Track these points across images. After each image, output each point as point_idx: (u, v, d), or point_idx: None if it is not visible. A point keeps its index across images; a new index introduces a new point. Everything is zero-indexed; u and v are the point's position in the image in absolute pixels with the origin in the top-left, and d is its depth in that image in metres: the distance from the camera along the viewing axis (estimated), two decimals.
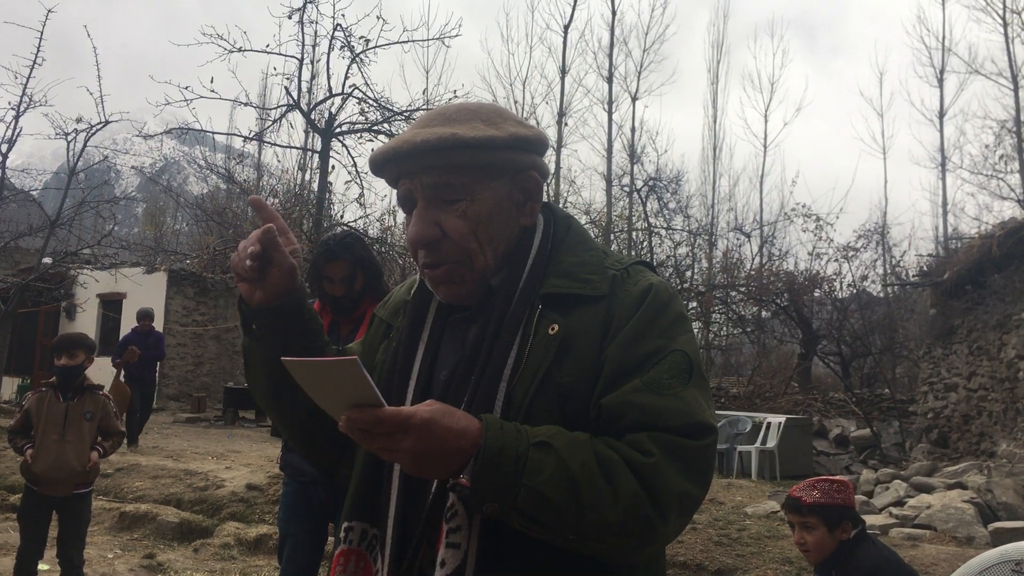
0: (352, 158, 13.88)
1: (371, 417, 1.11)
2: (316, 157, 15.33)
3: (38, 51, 11.63)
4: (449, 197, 1.32)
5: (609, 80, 28.91)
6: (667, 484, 1.16)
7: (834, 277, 18.35)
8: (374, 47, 13.39)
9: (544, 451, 1.15)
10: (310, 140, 20.57)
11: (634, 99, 29.34)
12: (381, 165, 1.36)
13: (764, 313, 20.69)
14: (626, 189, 24.20)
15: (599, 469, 1.15)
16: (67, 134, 12.13)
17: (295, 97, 13.53)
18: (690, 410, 1.22)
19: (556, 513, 1.14)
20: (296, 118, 19.55)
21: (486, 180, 1.33)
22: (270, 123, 15.73)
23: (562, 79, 28.03)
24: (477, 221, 1.33)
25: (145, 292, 17.02)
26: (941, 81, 27.92)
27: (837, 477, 3.09)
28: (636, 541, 1.17)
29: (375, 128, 13.86)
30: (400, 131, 13.93)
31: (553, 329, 1.28)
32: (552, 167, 22.08)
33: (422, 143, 1.29)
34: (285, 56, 13.67)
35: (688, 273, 20.51)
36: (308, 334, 1.42)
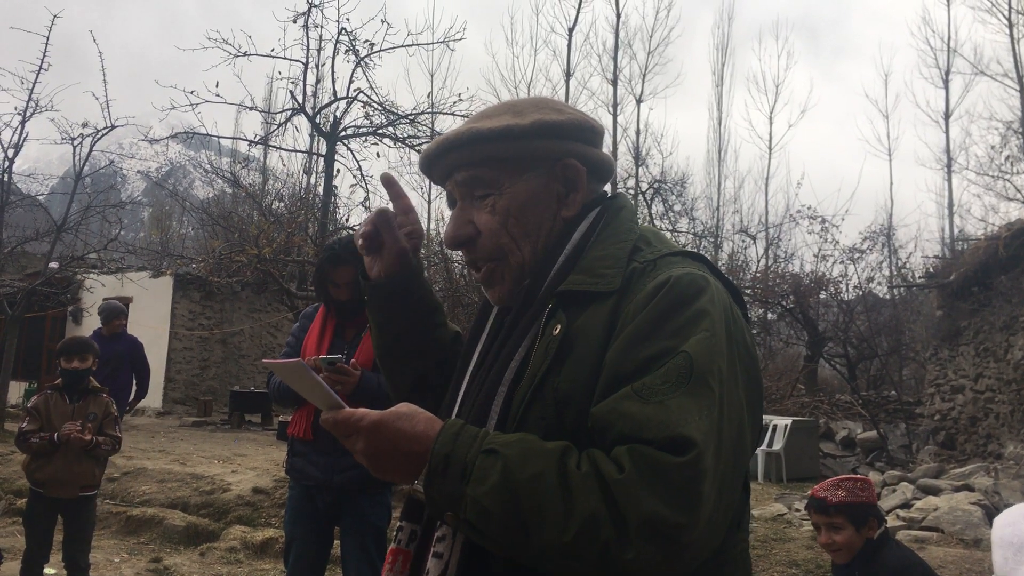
0: (357, 162, 13.92)
1: (331, 419, 1.13)
2: (321, 161, 15.38)
3: (44, 56, 11.66)
4: (479, 192, 1.31)
5: (614, 83, 28.95)
6: (634, 505, 0.99)
7: (840, 279, 18.36)
8: (379, 51, 13.43)
9: (492, 459, 1.06)
10: (315, 144, 20.62)
11: (639, 101, 29.38)
12: (426, 169, 1.39)
13: (770, 315, 20.66)
14: (631, 191, 24.19)
15: (558, 483, 1.03)
16: (73, 139, 12.16)
17: (300, 101, 13.56)
18: (672, 420, 1.04)
19: (500, 528, 1.04)
20: (301, 122, 19.66)
21: (515, 173, 1.29)
22: (275, 127, 15.83)
23: (567, 82, 28.06)
24: (507, 215, 1.29)
25: (151, 296, 17.07)
26: (946, 82, 27.85)
27: (859, 476, 3.07)
28: (596, 568, 1.01)
29: (380, 132, 13.89)
30: (404, 135, 13.98)
31: (556, 330, 1.18)
32: None
33: (444, 142, 1.31)
34: (290, 60, 13.71)
35: None
36: (416, 313, 1.48)
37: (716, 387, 1.09)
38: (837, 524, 2.87)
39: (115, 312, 7.73)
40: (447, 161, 1.32)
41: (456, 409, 1.30)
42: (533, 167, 1.30)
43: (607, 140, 27.56)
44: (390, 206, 1.45)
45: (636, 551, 0.99)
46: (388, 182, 1.43)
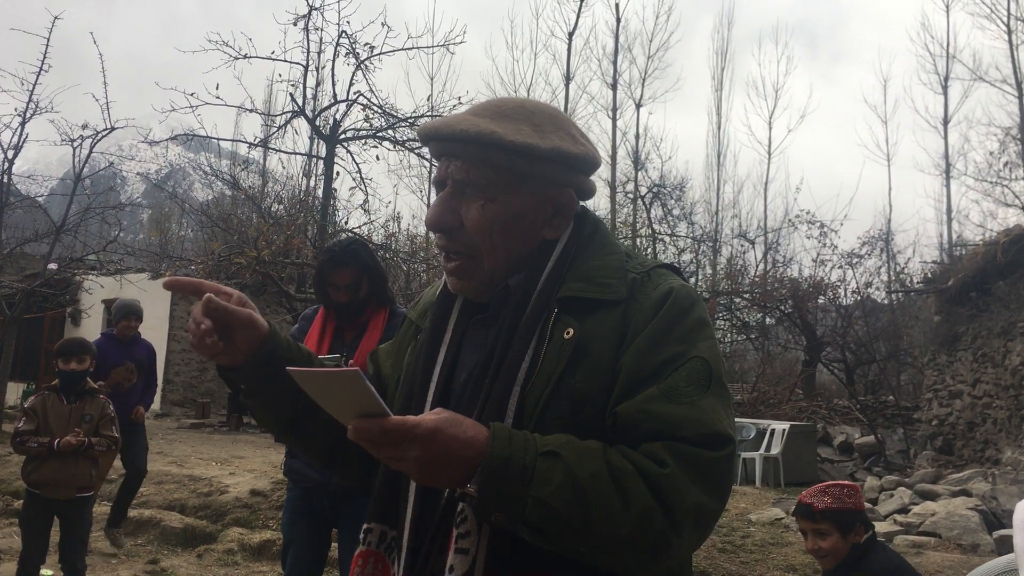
0: (357, 164, 13.94)
1: (376, 427, 1.09)
2: (321, 163, 15.39)
3: (44, 57, 11.66)
4: (473, 190, 1.31)
5: (613, 87, 28.91)
6: (682, 497, 1.12)
7: (838, 284, 18.39)
8: (379, 54, 13.46)
9: (552, 461, 1.12)
10: (315, 146, 20.65)
11: (638, 106, 29.34)
12: (425, 138, 1.38)
13: (768, 320, 20.70)
14: (630, 196, 24.26)
15: (611, 480, 1.11)
16: (73, 140, 12.15)
17: (300, 103, 13.58)
18: (707, 419, 1.17)
19: (564, 525, 1.10)
20: (301, 124, 19.67)
21: (514, 186, 1.31)
22: (275, 129, 15.83)
23: (566, 86, 28.03)
24: (495, 221, 1.30)
25: (150, 298, 17.06)
26: (945, 88, 27.85)
27: (846, 482, 3.09)
28: (649, 555, 1.13)
29: (380, 135, 13.91)
30: (404, 138, 13.99)
31: (568, 333, 1.24)
32: None
33: (461, 132, 1.29)
34: (290, 63, 13.70)
35: (692, 280, 20.50)
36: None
37: (727, 387, 1.24)
38: (823, 530, 2.90)
39: (123, 311, 6.35)
40: (454, 147, 1.32)
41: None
42: (532, 185, 1.33)
43: (606, 143, 27.51)
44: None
45: (682, 538, 1.13)
46: (174, 286, 1.35)
